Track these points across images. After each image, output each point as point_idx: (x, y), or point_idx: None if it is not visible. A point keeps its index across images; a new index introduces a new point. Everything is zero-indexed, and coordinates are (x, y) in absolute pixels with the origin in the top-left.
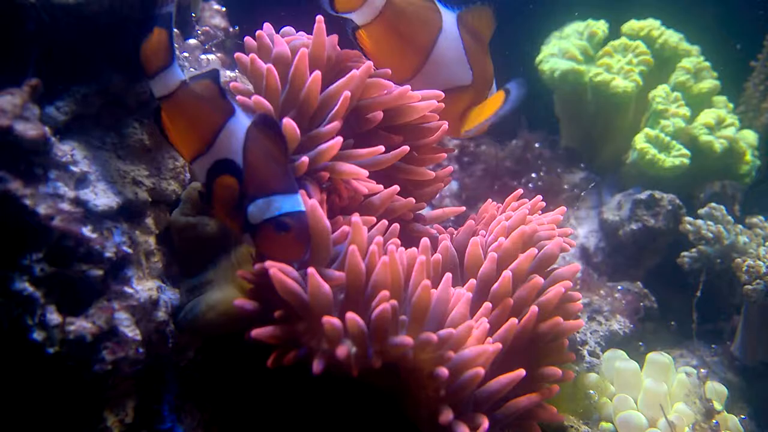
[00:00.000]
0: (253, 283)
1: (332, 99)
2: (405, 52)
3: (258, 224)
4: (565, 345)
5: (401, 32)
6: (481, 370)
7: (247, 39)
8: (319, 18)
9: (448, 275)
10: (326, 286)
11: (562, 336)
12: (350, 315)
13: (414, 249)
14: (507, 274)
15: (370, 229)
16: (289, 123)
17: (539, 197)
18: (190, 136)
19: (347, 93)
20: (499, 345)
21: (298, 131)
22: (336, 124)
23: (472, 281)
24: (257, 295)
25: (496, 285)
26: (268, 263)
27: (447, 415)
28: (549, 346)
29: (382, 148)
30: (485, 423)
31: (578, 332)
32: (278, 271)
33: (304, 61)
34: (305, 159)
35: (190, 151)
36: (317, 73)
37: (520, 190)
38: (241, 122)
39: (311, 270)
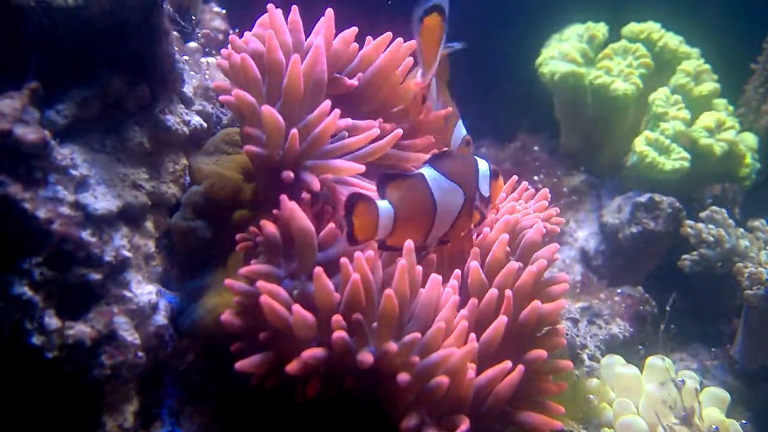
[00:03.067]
0: (239, 293)
1: (317, 83)
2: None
3: (489, 191)
4: (558, 332)
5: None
6: (445, 379)
7: (222, 50)
8: (270, 6)
9: (435, 278)
10: (309, 318)
11: (546, 320)
12: (307, 354)
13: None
14: (474, 265)
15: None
16: (268, 110)
17: (525, 183)
18: None
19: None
20: (474, 345)
21: (281, 119)
22: (326, 105)
23: (457, 271)
24: (245, 307)
25: (469, 278)
26: (259, 284)
27: (408, 421)
28: (535, 333)
29: (376, 131)
30: (463, 426)
31: (578, 336)
32: (268, 297)
33: (275, 46)
34: (293, 132)
35: None
36: (296, 56)
37: (515, 177)
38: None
39: (295, 307)
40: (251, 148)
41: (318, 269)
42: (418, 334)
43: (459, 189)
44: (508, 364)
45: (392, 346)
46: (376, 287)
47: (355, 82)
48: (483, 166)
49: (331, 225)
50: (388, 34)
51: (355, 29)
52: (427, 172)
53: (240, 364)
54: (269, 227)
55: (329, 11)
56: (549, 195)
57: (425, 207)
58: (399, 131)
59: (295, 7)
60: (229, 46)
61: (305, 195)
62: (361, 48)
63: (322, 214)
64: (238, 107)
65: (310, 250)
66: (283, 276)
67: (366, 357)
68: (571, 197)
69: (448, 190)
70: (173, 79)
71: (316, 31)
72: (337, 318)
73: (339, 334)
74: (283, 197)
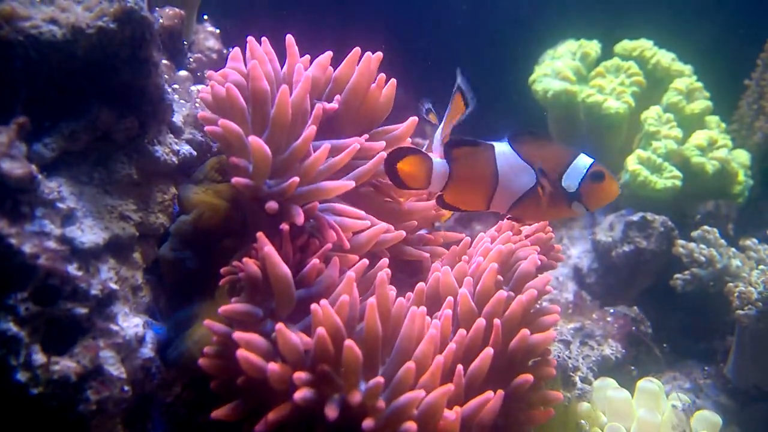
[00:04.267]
0: (218, 335)
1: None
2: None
3: (579, 187)
4: (548, 362)
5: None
6: (412, 426)
7: (202, 88)
8: (250, 38)
9: (414, 311)
10: (284, 373)
11: (535, 351)
12: (272, 416)
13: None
14: (463, 292)
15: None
16: (255, 141)
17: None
18: None
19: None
20: (450, 387)
21: (267, 149)
22: (311, 132)
23: (450, 299)
24: (225, 348)
25: (458, 307)
26: (236, 335)
27: None
28: (525, 364)
29: (357, 146)
30: None
31: (570, 358)
32: (243, 351)
33: (260, 74)
34: (294, 179)
35: None
36: (284, 86)
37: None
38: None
39: (270, 365)
40: (239, 180)
41: (279, 326)
42: (380, 379)
43: (530, 169)
44: (489, 394)
45: (356, 395)
46: (345, 332)
47: (335, 105)
48: (582, 161)
49: (315, 261)
50: (357, 50)
51: (329, 53)
52: (500, 144)
53: (215, 414)
54: (251, 266)
55: (289, 38)
56: (551, 229)
57: (484, 174)
58: (383, 154)
59: (265, 39)
60: (208, 80)
61: (284, 227)
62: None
63: (307, 246)
64: (225, 137)
65: (288, 295)
66: (262, 316)
67: (331, 412)
68: None
69: (516, 167)
70: (162, 109)
71: (288, 63)
72: (298, 376)
73: (300, 394)
74: (260, 236)
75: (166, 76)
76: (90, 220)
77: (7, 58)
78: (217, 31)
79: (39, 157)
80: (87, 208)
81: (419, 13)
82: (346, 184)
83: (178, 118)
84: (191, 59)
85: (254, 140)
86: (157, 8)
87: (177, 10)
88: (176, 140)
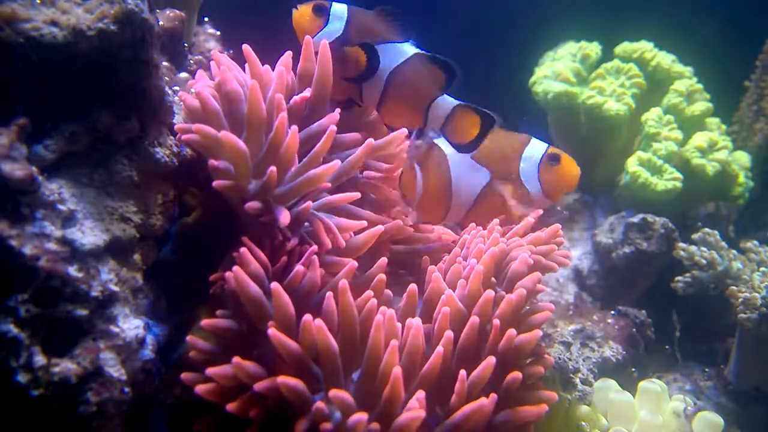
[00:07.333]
0: (200, 352)
1: (275, 108)
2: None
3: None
4: (541, 361)
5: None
6: None
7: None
8: (214, 51)
9: (378, 319)
10: (245, 407)
11: (524, 350)
12: None
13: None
14: (448, 292)
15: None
16: (227, 137)
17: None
18: None
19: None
20: (421, 413)
21: (242, 144)
22: (282, 119)
23: (443, 300)
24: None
25: (445, 309)
26: (210, 371)
27: None
28: (519, 364)
29: (334, 128)
30: None
31: (570, 359)
32: (202, 386)
33: (230, 77)
34: (272, 170)
35: None
36: (254, 83)
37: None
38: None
39: (229, 406)
40: (220, 183)
41: (235, 360)
42: (321, 405)
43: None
44: (483, 401)
45: (301, 424)
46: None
47: (306, 94)
48: (534, 148)
49: (299, 267)
50: (308, 39)
51: (289, 53)
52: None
53: (196, 426)
54: (230, 281)
55: (246, 47)
56: (560, 231)
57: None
58: (370, 140)
59: (228, 53)
60: (181, 99)
61: (245, 239)
62: None
63: (292, 251)
64: (202, 142)
65: (260, 313)
66: (245, 330)
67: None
68: (564, 215)
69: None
70: (163, 111)
71: (251, 71)
72: (254, 414)
73: None
74: (244, 251)
75: (166, 77)
76: (90, 221)
77: (8, 60)
78: (218, 33)
79: (39, 158)
80: (87, 210)
81: (417, 13)
82: (333, 165)
83: (178, 120)
84: (192, 61)
85: (225, 135)
86: (157, 10)
87: (178, 12)
88: (176, 141)
